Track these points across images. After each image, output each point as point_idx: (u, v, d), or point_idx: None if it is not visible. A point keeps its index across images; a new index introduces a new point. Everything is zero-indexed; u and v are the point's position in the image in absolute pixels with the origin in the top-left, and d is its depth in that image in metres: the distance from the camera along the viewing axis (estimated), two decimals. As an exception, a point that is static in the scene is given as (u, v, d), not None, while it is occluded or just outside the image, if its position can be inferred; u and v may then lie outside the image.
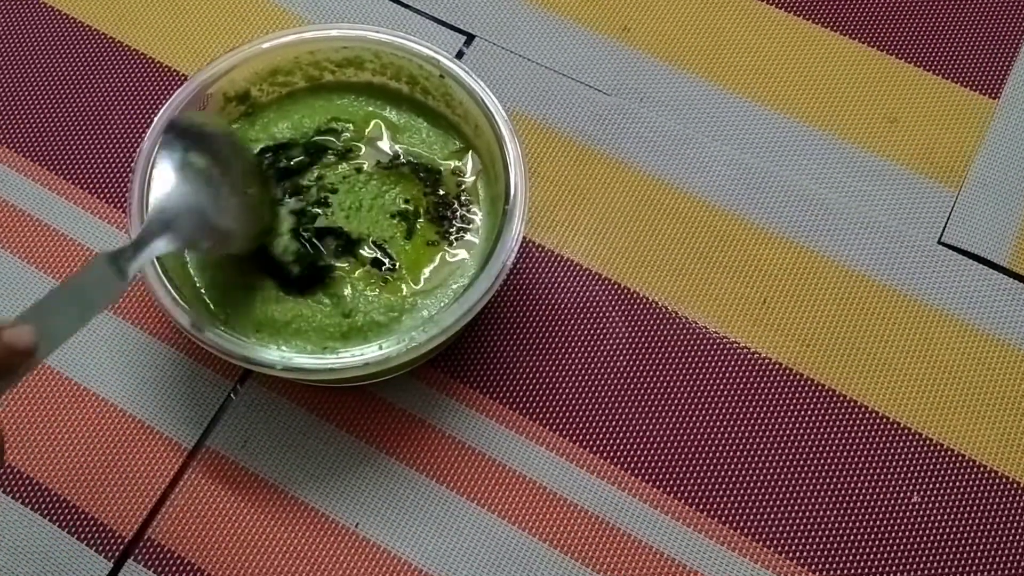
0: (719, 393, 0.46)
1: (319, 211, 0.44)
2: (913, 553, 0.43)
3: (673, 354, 0.46)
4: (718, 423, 0.45)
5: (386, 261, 0.43)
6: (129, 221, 0.41)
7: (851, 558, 0.43)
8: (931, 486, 0.44)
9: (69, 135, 0.52)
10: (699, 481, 0.44)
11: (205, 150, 0.41)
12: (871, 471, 0.44)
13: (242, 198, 0.42)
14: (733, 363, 0.46)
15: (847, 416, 0.45)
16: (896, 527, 0.43)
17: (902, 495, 0.44)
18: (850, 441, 0.45)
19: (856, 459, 0.44)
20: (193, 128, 0.41)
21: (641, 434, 0.45)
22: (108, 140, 0.52)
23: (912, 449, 0.44)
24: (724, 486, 0.44)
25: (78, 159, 0.51)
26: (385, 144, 0.46)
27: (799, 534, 0.43)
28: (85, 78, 0.53)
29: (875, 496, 0.44)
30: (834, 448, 0.44)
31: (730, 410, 0.45)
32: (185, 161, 0.39)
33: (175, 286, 0.40)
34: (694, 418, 0.45)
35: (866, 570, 0.43)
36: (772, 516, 0.43)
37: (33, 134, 0.52)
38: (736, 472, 0.44)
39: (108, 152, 0.51)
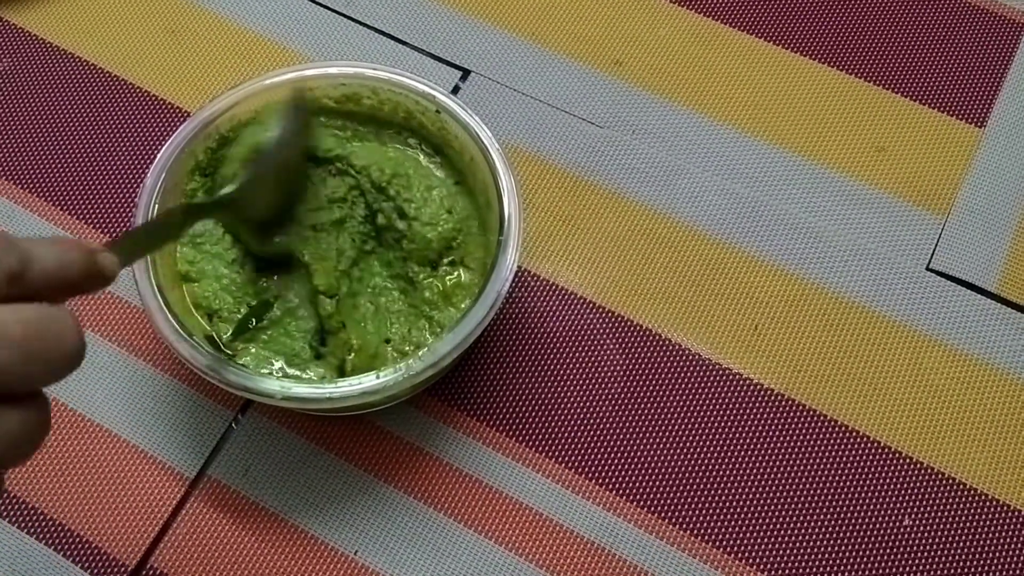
0: (712, 419, 0.46)
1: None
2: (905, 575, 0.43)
3: (667, 381, 0.47)
4: (711, 449, 0.46)
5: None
6: (132, 255, 0.42)
7: (845, 582, 0.43)
8: (922, 509, 0.44)
9: (73, 171, 0.53)
10: (693, 506, 0.45)
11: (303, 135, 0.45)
12: (863, 495, 0.45)
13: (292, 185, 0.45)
14: (726, 389, 0.47)
15: (838, 441, 0.46)
16: (888, 550, 0.43)
17: (894, 518, 0.44)
18: (842, 465, 0.45)
19: (848, 483, 0.45)
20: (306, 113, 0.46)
21: (635, 460, 0.45)
22: (112, 176, 0.53)
23: (903, 473, 0.45)
24: (718, 511, 0.44)
25: (82, 195, 0.52)
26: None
27: (793, 558, 0.44)
28: (89, 115, 0.54)
29: (867, 520, 0.44)
30: (826, 472, 0.45)
31: (723, 436, 0.46)
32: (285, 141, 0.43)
33: (176, 318, 0.41)
34: (688, 444, 0.46)
35: (860, 594, 0.43)
36: (765, 540, 0.44)
37: (38, 170, 0.53)
38: (729, 497, 0.45)
39: (112, 188, 0.52)
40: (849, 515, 0.44)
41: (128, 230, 0.38)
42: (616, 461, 0.45)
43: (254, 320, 0.44)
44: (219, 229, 0.46)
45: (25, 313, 0.27)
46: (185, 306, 0.44)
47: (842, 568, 0.43)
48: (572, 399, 0.47)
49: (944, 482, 0.45)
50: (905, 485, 0.45)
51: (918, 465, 0.45)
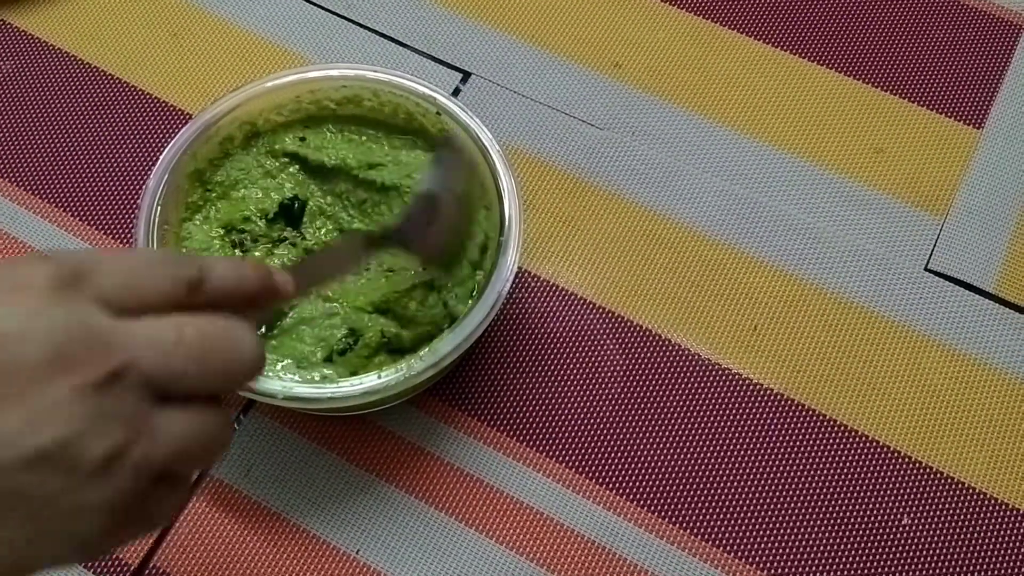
0: (712, 418, 0.46)
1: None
2: (904, 574, 0.43)
3: (666, 381, 0.47)
4: (711, 448, 0.46)
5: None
6: (135, 256, 0.42)
7: (844, 580, 0.43)
8: (921, 508, 0.44)
9: (77, 172, 0.53)
10: (692, 505, 0.45)
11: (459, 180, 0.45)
12: (862, 494, 0.45)
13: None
14: (725, 389, 0.47)
15: (837, 440, 0.46)
16: (886, 549, 0.44)
17: (892, 517, 0.44)
18: (840, 464, 0.45)
19: (846, 482, 0.45)
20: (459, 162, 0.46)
21: (635, 459, 0.46)
22: (115, 177, 0.53)
23: (902, 472, 0.45)
24: (717, 510, 0.45)
25: (85, 196, 0.53)
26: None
27: (791, 556, 0.44)
28: (92, 117, 0.55)
29: (866, 518, 0.44)
30: (825, 471, 0.45)
31: (722, 435, 0.46)
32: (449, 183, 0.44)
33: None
34: (687, 443, 0.46)
35: (859, 592, 0.43)
36: (764, 539, 0.44)
37: (41, 172, 0.53)
38: (729, 496, 0.45)
39: (115, 189, 0.53)
40: (848, 514, 0.44)
41: (309, 257, 0.40)
42: (616, 460, 0.46)
43: (264, 328, 0.44)
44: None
45: (202, 321, 0.28)
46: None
47: (841, 566, 0.43)
48: (572, 399, 0.47)
49: (942, 481, 0.45)
50: (904, 484, 0.45)
51: (916, 464, 0.45)
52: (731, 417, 0.46)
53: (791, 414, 0.46)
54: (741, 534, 0.44)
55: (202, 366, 0.27)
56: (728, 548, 0.44)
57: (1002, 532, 0.44)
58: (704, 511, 0.45)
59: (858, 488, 0.45)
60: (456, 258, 0.44)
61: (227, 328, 0.28)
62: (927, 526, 0.44)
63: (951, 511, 0.44)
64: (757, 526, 0.44)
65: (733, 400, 0.47)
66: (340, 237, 0.43)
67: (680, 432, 0.46)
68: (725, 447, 0.46)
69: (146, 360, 0.26)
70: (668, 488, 0.45)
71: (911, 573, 0.43)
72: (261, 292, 0.31)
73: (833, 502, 0.45)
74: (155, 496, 0.27)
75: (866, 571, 0.43)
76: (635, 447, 0.46)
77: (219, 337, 0.28)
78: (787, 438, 0.46)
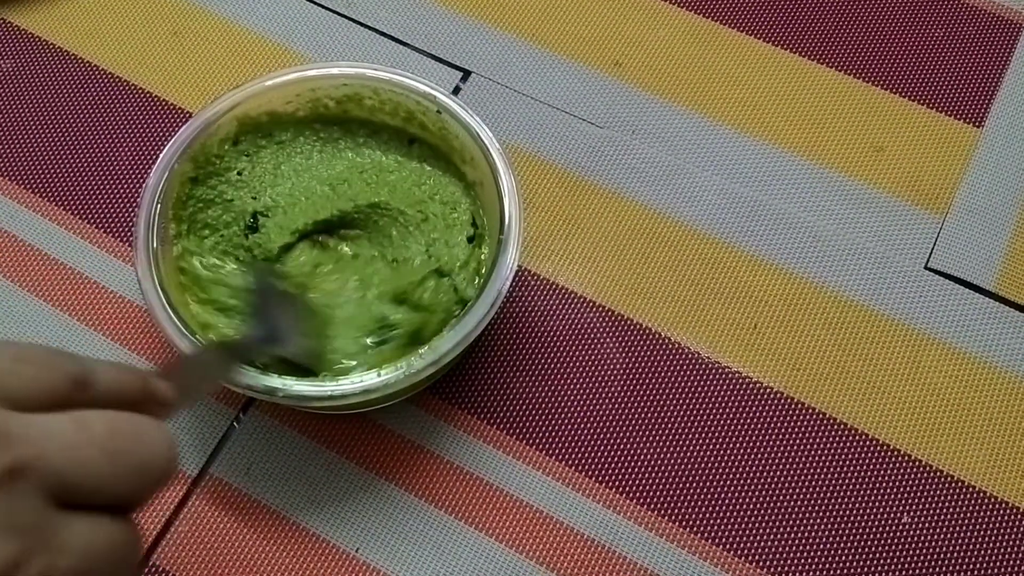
0: (712, 417, 0.46)
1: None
2: (903, 573, 0.43)
3: (666, 379, 0.47)
4: (710, 446, 0.46)
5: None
6: (135, 255, 0.42)
7: (844, 579, 0.43)
8: (921, 506, 0.44)
9: (76, 171, 0.53)
10: (692, 503, 0.45)
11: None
12: (861, 492, 0.45)
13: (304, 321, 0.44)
14: (725, 387, 0.47)
15: (837, 438, 0.46)
16: (886, 547, 0.44)
17: (892, 515, 0.44)
18: (841, 463, 0.45)
19: (847, 480, 0.45)
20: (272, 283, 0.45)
21: (635, 457, 0.46)
22: (115, 176, 0.53)
23: (902, 470, 0.45)
24: (717, 508, 0.45)
25: (85, 194, 0.53)
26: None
27: (791, 555, 0.44)
28: (92, 115, 0.55)
29: (866, 517, 0.44)
30: (825, 470, 0.45)
31: (722, 433, 0.46)
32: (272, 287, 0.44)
33: (179, 316, 0.41)
34: (687, 441, 0.46)
35: (859, 590, 0.43)
36: (764, 537, 0.44)
37: (41, 170, 0.53)
38: (729, 494, 0.45)
39: (115, 188, 0.53)
40: (848, 512, 0.44)
41: (177, 361, 0.38)
42: (616, 458, 0.46)
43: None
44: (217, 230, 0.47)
45: (106, 415, 0.25)
46: (185, 302, 0.44)
47: (840, 565, 0.43)
48: (572, 397, 0.47)
49: (942, 479, 0.45)
50: (904, 482, 0.45)
51: (917, 463, 0.45)
52: (731, 415, 0.46)
53: (791, 412, 0.46)
54: (741, 532, 0.44)
55: (113, 466, 0.24)
56: (728, 546, 0.44)
57: (1002, 530, 0.44)
58: (704, 509, 0.45)
59: (858, 486, 0.45)
60: (321, 345, 0.44)
61: (138, 423, 0.25)
62: (927, 524, 0.44)
63: (951, 509, 0.44)
64: (757, 524, 0.44)
65: (733, 398, 0.47)
66: (201, 348, 0.40)
67: (680, 430, 0.46)
68: (725, 445, 0.46)
69: (50, 455, 0.23)
70: (668, 486, 0.45)
71: (911, 571, 0.43)
72: (143, 398, 0.28)
73: (833, 500, 0.45)
74: None
75: (866, 569, 0.43)
76: (635, 445, 0.46)
77: (130, 433, 0.25)
78: (787, 436, 0.46)
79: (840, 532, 0.44)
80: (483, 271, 0.44)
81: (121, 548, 0.25)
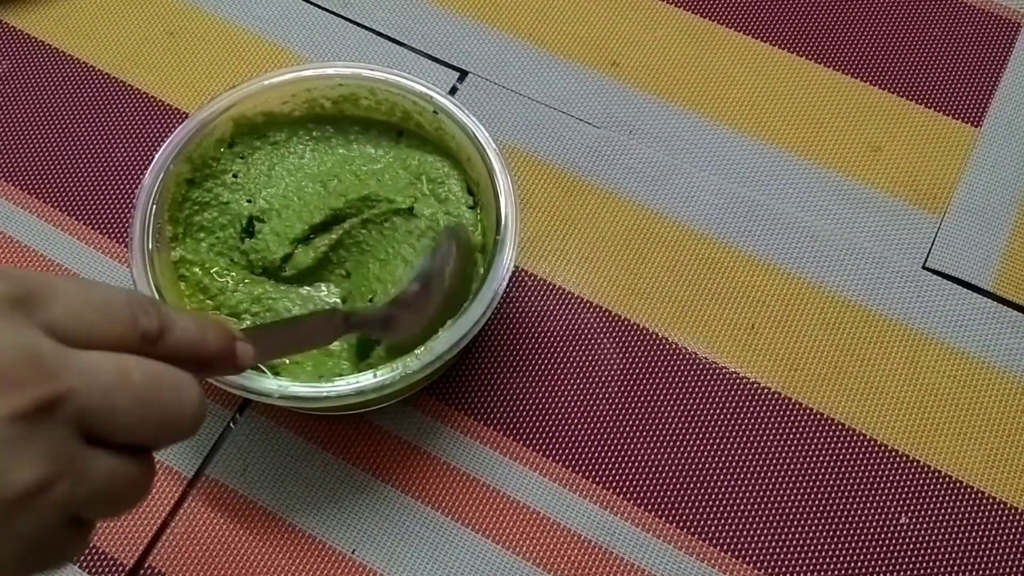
0: (709, 417, 0.46)
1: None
2: (901, 573, 0.43)
3: (664, 380, 0.47)
4: (708, 447, 0.46)
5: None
6: (130, 256, 0.42)
7: (841, 580, 0.43)
8: (919, 507, 0.44)
9: (72, 172, 0.53)
10: (689, 504, 0.45)
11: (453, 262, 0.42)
12: (859, 493, 0.45)
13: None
14: (723, 388, 0.47)
15: (835, 439, 0.46)
16: (884, 548, 0.44)
17: (890, 516, 0.44)
18: (838, 463, 0.45)
19: (844, 481, 0.45)
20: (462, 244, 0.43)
21: (632, 458, 0.46)
22: (111, 176, 0.53)
23: (900, 471, 0.45)
24: (714, 509, 0.45)
25: (81, 195, 0.52)
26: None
27: (789, 556, 0.44)
28: (88, 116, 0.55)
29: (864, 517, 0.44)
30: (823, 470, 0.45)
31: (720, 434, 0.46)
32: (439, 269, 0.41)
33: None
34: (685, 442, 0.46)
35: (856, 591, 0.43)
36: (762, 538, 0.44)
37: (37, 171, 0.53)
38: (726, 495, 0.45)
39: (111, 188, 0.53)
40: (846, 513, 0.44)
41: (272, 323, 0.38)
42: (613, 459, 0.46)
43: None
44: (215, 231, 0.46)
45: (151, 367, 0.26)
46: (183, 303, 0.44)
47: (838, 565, 0.43)
48: (569, 398, 0.47)
49: (940, 480, 0.45)
50: (902, 483, 0.45)
51: (914, 463, 0.45)
52: (728, 416, 0.46)
53: (789, 413, 0.46)
54: (738, 533, 0.44)
55: (142, 413, 0.26)
56: (725, 547, 0.44)
57: (1000, 530, 0.44)
58: (701, 510, 0.45)
59: (856, 487, 0.45)
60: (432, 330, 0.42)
61: (175, 379, 0.27)
62: (925, 525, 0.44)
63: (949, 510, 0.44)
64: (754, 525, 0.44)
65: (730, 399, 0.47)
66: (320, 312, 0.40)
67: (677, 431, 0.46)
68: (722, 446, 0.46)
69: (86, 394, 0.25)
70: (665, 487, 0.45)
71: (909, 572, 0.43)
72: (216, 358, 0.30)
73: (831, 501, 0.44)
74: (62, 538, 0.26)
75: (863, 570, 0.43)
76: (632, 446, 0.46)
77: (165, 387, 0.27)
78: (785, 437, 0.46)
79: (838, 533, 0.44)
80: (480, 269, 0.44)
81: (136, 484, 0.27)
